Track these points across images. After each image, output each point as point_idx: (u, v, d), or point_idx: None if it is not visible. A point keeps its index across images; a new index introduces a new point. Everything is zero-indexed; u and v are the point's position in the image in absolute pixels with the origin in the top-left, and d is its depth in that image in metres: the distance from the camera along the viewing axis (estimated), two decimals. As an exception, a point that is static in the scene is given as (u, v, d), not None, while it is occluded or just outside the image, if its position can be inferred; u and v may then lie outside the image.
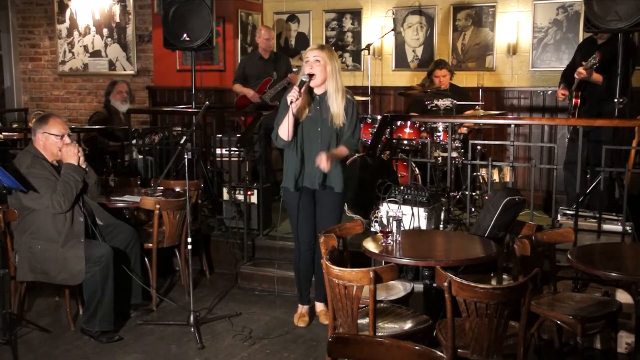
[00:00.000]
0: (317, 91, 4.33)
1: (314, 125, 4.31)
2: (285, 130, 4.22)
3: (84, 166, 4.53)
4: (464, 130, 6.57)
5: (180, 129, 7.12)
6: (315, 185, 4.35)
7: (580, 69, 5.50)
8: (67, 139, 4.52)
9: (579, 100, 5.71)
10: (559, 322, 3.67)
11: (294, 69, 7.12)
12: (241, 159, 6.12)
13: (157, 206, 4.88)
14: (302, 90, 4.16)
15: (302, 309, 4.73)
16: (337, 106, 4.26)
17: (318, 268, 4.43)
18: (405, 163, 6.11)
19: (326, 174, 4.33)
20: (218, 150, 6.31)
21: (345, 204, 5.99)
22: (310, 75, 4.21)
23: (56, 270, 4.39)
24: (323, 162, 4.19)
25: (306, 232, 4.48)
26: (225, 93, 8.41)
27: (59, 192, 4.34)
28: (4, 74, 9.97)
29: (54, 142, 4.49)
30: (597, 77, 5.51)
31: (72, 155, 4.48)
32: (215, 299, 5.21)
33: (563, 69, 6.19)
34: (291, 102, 4.11)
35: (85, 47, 9.47)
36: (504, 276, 4.17)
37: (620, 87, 5.14)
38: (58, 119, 4.59)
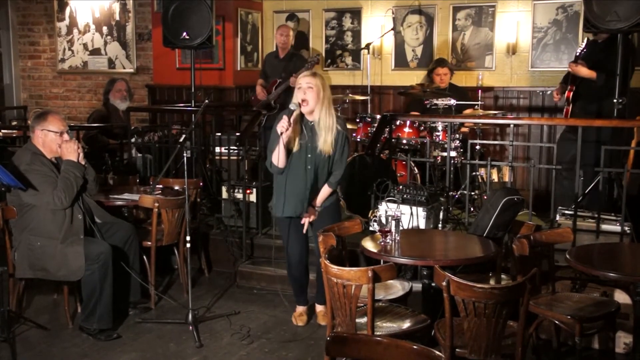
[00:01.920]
0: (309, 118, 4.32)
1: (304, 152, 4.31)
2: (278, 158, 4.25)
3: (83, 163, 4.53)
4: (464, 130, 6.58)
5: (179, 127, 7.12)
6: (299, 212, 4.39)
7: (571, 65, 5.60)
8: (65, 136, 4.52)
9: (571, 93, 5.75)
10: (557, 322, 3.68)
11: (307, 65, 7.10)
12: (240, 157, 6.12)
13: (156, 204, 4.88)
14: (292, 119, 4.17)
15: (300, 309, 4.75)
16: (326, 134, 4.25)
17: (319, 272, 4.44)
18: (404, 162, 6.11)
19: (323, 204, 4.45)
20: (217, 149, 6.31)
21: (345, 203, 6.00)
22: (301, 103, 4.20)
23: (56, 266, 4.39)
24: (309, 218, 4.39)
25: (298, 250, 4.52)
26: (225, 92, 8.41)
27: (60, 188, 4.35)
28: (3, 71, 9.96)
29: (53, 139, 4.49)
30: (587, 72, 5.53)
31: (72, 151, 4.48)
32: (214, 298, 5.21)
33: (565, 70, 6.20)
34: (281, 133, 4.13)
35: (85, 45, 9.47)
36: (503, 276, 4.17)
37: (619, 87, 5.14)
38: (56, 115, 4.59)
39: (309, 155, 4.31)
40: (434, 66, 7.05)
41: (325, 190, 4.41)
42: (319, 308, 4.67)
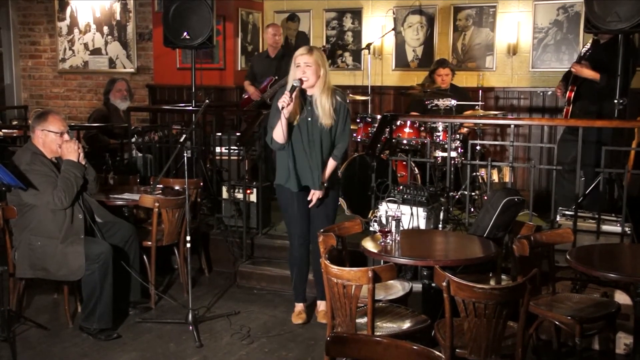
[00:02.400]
0: (309, 92, 4.37)
1: (305, 126, 4.36)
2: (279, 133, 4.28)
3: (83, 163, 4.53)
4: (463, 130, 6.57)
5: (180, 127, 7.12)
6: (315, 184, 4.39)
7: (574, 66, 5.60)
8: (66, 136, 4.52)
9: (572, 94, 5.74)
10: (557, 322, 3.67)
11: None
12: (240, 157, 6.12)
13: (156, 204, 4.88)
14: (294, 95, 4.21)
15: (299, 307, 4.74)
16: (325, 107, 4.31)
17: (319, 267, 4.45)
18: (404, 163, 6.11)
19: (320, 174, 4.41)
20: (217, 149, 6.31)
21: (345, 203, 6.01)
22: (301, 80, 4.25)
23: (56, 266, 4.39)
24: (316, 195, 4.39)
25: (299, 226, 4.52)
26: (225, 92, 8.42)
27: (60, 188, 4.35)
28: (4, 71, 9.97)
29: (53, 140, 4.49)
30: (590, 73, 5.52)
31: (72, 151, 4.48)
32: (214, 298, 5.21)
33: (564, 70, 6.20)
34: (282, 108, 4.17)
35: (86, 45, 9.47)
36: (503, 276, 4.17)
37: (620, 87, 5.14)
38: (57, 116, 4.59)
39: (311, 129, 4.34)
40: (435, 67, 7.04)
41: (330, 164, 4.43)
42: (321, 306, 4.66)
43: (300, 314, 4.71)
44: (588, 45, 5.69)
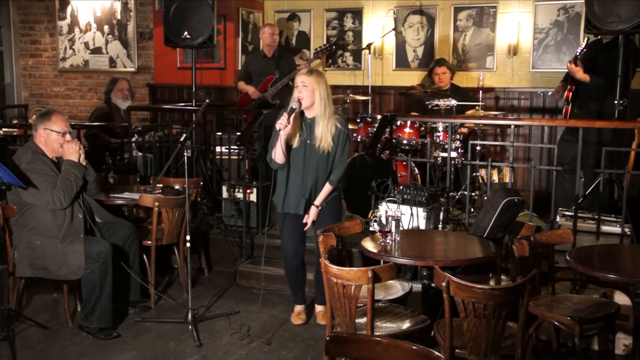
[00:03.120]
0: (308, 114, 4.37)
1: (303, 148, 4.36)
2: (278, 154, 4.30)
3: (84, 163, 4.53)
4: (464, 130, 6.57)
5: (180, 126, 7.12)
6: (300, 210, 4.42)
7: (570, 63, 5.60)
8: (68, 136, 4.52)
9: (570, 94, 5.75)
10: (557, 323, 3.67)
11: (298, 66, 7.10)
12: (241, 157, 6.12)
13: (156, 204, 4.88)
14: (292, 117, 4.22)
15: (298, 308, 4.75)
16: (324, 131, 4.30)
17: (319, 271, 4.45)
18: (404, 163, 6.11)
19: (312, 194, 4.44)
20: (218, 148, 6.31)
21: (345, 203, 6.00)
22: (300, 102, 4.26)
23: (56, 265, 4.39)
24: (311, 218, 4.39)
25: (290, 246, 4.55)
26: (226, 91, 8.42)
27: (60, 188, 4.35)
28: (4, 70, 9.97)
29: (55, 139, 4.49)
30: (581, 75, 5.53)
31: (74, 152, 4.48)
32: (214, 297, 5.21)
33: (564, 70, 6.20)
34: (279, 130, 4.19)
35: (86, 44, 9.47)
36: (503, 277, 4.18)
37: (620, 88, 5.14)
38: (60, 115, 4.60)
39: (308, 151, 4.35)
40: (432, 66, 7.08)
41: (326, 189, 4.42)
42: (319, 308, 4.67)
43: (300, 314, 4.72)
44: (583, 45, 5.67)
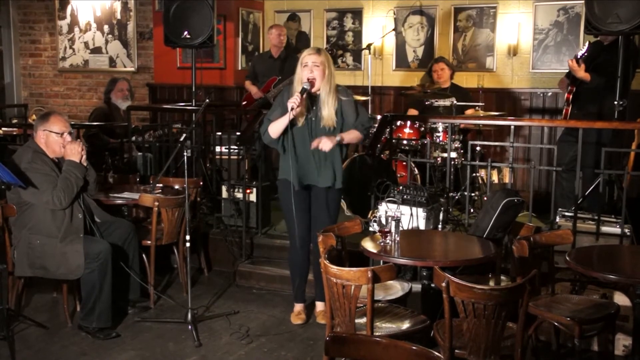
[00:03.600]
0: (315, 92, 4.36)
1: (309, 125, 4.37)
2: (277, 130, 4.30)
3: (85, 164, 4.53)
4: (463, 126, 6.57)
5: (180, 126, 7.12)
6: (316, 181, 4.40)
7: (571, 60, 5.58)
8: (67, 137, 4.53)
9: (570, 95, 5.74)
10: (556, 323, 3.67)
11: None
12: (240, 157, 6.12)
13: (156, 203, 4.88)
14: (304, 96, 4.22)
15: (298, 307, 4.74)
16: (328, 108, 4.32)
17: (318, 268, 4.45)
18: (404, 163, 6.11)
19: (325, 172, 4.37)
20: (217, 148, 6.31)
21: (345, 203, 6.00)
22: (311, 82, 4.25)
23: (55, 265, 4.39)
24: (322, 142, 4.24)
25: (301, 226, 4.51)
26: (226, 91, 8.42)
27: (60, 188, 4.35)
28: (4, 69, 9.96)
29: (55, 140, 4.50)
30: (582, 74, 5.52)
31: (75, 152, 4.49)
32: (213, 297, 5.21)
33: (566, 71, 6.20)
34: (292, 109, 4.17)
35: (86, 44, 9.47)
36: (502, 277, 4.17)
37: (619, 89, 5.14)
38: (59, 116, 4.60)
39: (315, 129, 4.35)
40: (431, 64, 7.09)
41: (353, 133, 4.38)
42: (319, 307, 4.66)
43: (300, 314, 4.71)
44: (585, 48, 5.66)
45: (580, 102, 5.74)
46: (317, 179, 4.42)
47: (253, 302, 5.13)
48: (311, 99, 4.37)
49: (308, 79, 4.25)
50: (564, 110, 5.82)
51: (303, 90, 4.22)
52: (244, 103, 7.43)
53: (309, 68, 4.27)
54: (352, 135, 4.42)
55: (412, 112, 7.00)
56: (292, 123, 4.30)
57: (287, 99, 4.26)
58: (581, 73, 5.53)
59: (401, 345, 2.16)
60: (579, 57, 5.54)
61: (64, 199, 4.35)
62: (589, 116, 5.61)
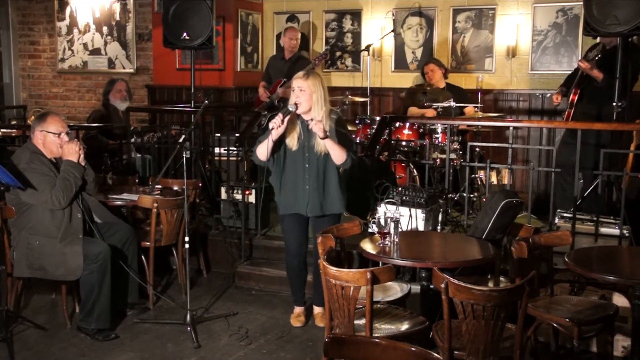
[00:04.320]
0: (305, 117, 4.31)
1: (301, 150, 4.33)
2: (263, 151, 4.27)
3: (83, 164, 4.53)
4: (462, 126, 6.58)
5: (179, 127, 7.12)
6: (305, 211, 4.39)
7: (582, 61, 5.58)
8: (65, 137, 4.52)
9: (576, 97, 5.73)
10: (555, 324, 3.67)
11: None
12: (239, 158, 6.12)
13: (155, 205, 4.88)
14: (286, 119, 4.18)
15: (298, 309, 4.74)
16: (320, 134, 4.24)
17: (317, 272, 4.45)
18: (403, 164, 6.11)
19: (313, 199, 4.35)
20: (216, 150, 6.31)
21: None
22: (297, 105, 4.21)
23: (54, 266, 4.39)
24: (316, 124, 4.15)
25: (293, 243, 4.55)
26: (225, 92, 8.41)
27: (59, 188, 4.35)
28: (3, 70, 9.96)
29: (52, 140, 4.50)
30: (597, 72, 5.52)
31: (73, 152, 4.49)
32: (212, 298, 5.21)
33: (565, 73, 6.21)
34: (271, 129, 4.16)
35: (85, 45, 9.47)
36: (501, 278, 4.17)
37: (619, 90, 5.15)
38: (56, 117, 4.60)
39: (307, 154, 4.33)
40: (422, 66, 7.12)
41: (338, 147, 4.21)
42: (317, 310, 4.67)
43: (299, 316, 4.71)
44: (596, 51, 5.57)
45: (583, 104, 5.73)
46: (306, 209, 4.39)
47: (252, 303, 5.13)
48: (303, 124, 4.33)
49: (295, 103, 4.22)
50: (567, 113, 5.81)
51: (286, 112, 4.18)
52: (257, 107, 7.45)
53: (295, 93, 4.23)
54: (339, 147, 4.23)
55: (413, 110, 6.99)
56: (286, 147, 4.31)
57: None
58: (595, 72, 5.52)
59: (400, 347, 2.16)
60: (591, 57, 5.50)
61: (62, 198, 4.35)
62: (591, 118, 5.61)
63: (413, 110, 6.98)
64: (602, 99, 5.55)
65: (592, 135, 5.42)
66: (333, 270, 3.28)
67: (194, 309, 4.62)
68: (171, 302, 5.07)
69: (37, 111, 8.58)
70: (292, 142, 4.32)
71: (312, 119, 4.20)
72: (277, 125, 4.16)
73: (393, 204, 4.79)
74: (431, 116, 6.48)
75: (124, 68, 9.24)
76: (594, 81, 5.58)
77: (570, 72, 6.22)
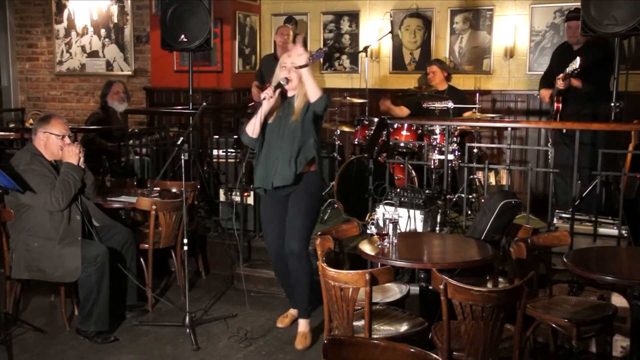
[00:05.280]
0: (290, 93, 4.33)
1: (277, 123, 4.30)
2: (251, 127, 4.24)
3: (83, 166, 4.54)
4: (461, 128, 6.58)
5: (177, 129, 7.11)
6: (268, 184, 4.26)
7: (559, 82, 5.53)
8: (67, 140, 4.54)
9: (560, 105, 5.73)
10: (554, 325, 3.67)
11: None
12: (238, 160, 6.12)
13: (154, 207, 4.88)
14: (277, 92, 4.19)
15: (293, 311, 4.68)
16: (298, 106, 4.24)
17: (296, 277, 4.38)
18: (401, 165, 6.11)
19: (283, 169, 4.23)
20: (215, 152, 6.31)
21: (342, 205, 6.01)
22: (287, 80, 4.22)
23: (52, 267, 4.39)
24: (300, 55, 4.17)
25: (269, 234, 4.46)
26: (223, 94, 8.42)
27: (58, 189, 4.35)
28: (1, 73, 9.95)
29: (55, 142, 4.50)
30: (576, 82, 5.53)
31: (74, 155, 4.49)
32: (211, 300, 5.20)
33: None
34: (264, 99, 4.16)
35: (83, 48, 9.46)
36: (500, 279, 4.18)
37: (605, 91, 5.17)
38: (59, 119, 4.62)
39: (282, 127, 4.27)
40: (427, 65, 7.13)
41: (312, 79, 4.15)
42: (301, 325, 4.44)
43: (285, 317, 4.69)
44: (578, 61, 5.28)
45: (570, 106, 5.74)
46: (273, 178, 4.24)
47: (251, 305, 5.12)
48: (285, 99, 4.33)
49: (286, 77, 4.21)
50: (555, 106, 5.78)
51: (278, 85, 4.19)
52: (250, 104, 7.44)
53: (287, 69, 4.22)
54: (316, 82, 4.16)
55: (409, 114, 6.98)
56: (265, 120, 4.27)
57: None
58: (575, 82, 5.53)
59: (399, 348, 2.16)
60: (570, 73, 5.38)
61: (62, 200, 4.35)
62: (584, 118, 5.61)
63: (395, 109, 6.97)
64: (590, 99, 5.57)
65: (586, 135, 5.41)
66: (332, 271, 3.28)
67: (192, 311, 4.62)
68: (170, 304, 5.07)
69: (35, 114, 8.59)
70: (271, 116, 4.30)
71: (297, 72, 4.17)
72: (268, 95, 4.15)
73: (392, 205, 4.79)
74: (429, 117, 6.47)
75: (122, 70, 9.24)
76: (576, 88, 5.59)
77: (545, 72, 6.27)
